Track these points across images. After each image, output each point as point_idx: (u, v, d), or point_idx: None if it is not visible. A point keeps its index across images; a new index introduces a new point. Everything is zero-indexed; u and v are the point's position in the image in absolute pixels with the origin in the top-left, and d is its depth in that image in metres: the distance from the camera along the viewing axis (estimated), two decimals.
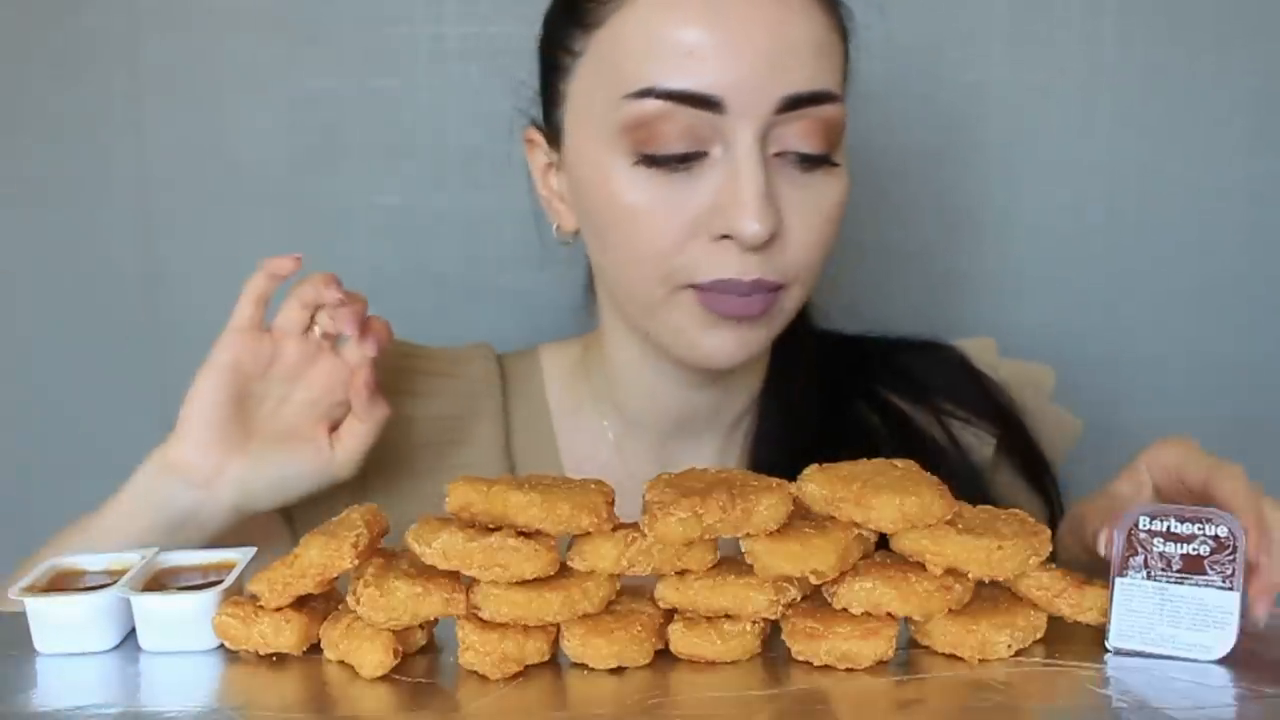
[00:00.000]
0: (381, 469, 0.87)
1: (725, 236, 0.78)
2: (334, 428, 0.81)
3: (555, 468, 0.91)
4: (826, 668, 0.58)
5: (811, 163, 0.79)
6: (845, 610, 0.59)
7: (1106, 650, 0.60)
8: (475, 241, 1.20)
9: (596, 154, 0.80)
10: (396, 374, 0.89)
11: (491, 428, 0.91)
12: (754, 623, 0.60)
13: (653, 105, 0.77)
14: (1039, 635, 0.61)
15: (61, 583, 0.65)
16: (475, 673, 0.59)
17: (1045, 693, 0.57)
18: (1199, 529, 0.59)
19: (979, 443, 0.92)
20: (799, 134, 0.78)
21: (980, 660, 0.59)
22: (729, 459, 0.91)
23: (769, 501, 0.58)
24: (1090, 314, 1.21)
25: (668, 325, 0.82)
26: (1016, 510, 0.63)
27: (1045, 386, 0.99)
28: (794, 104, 0.77)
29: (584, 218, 0.84)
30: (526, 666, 0.59)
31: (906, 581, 0.58)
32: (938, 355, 0.97)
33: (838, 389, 0.92)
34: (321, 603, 0.63)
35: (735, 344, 0.81)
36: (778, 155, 0.79)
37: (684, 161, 0.78)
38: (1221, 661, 0.59)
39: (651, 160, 0.78)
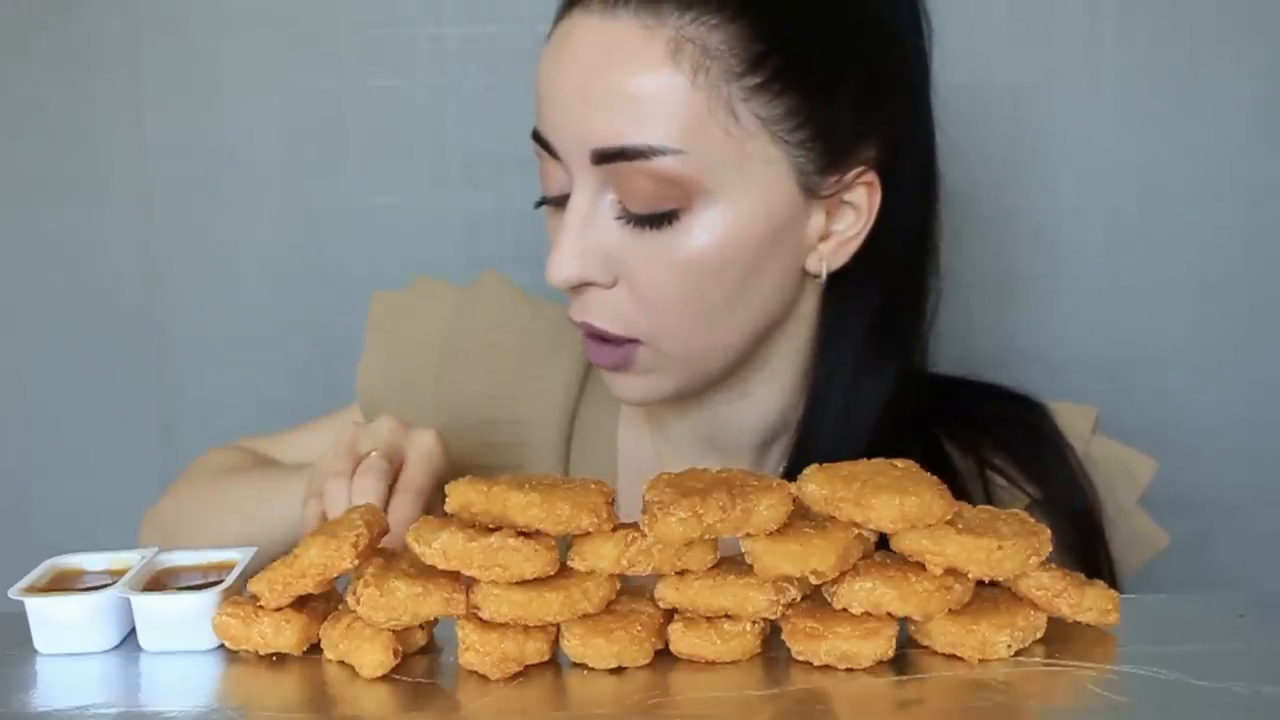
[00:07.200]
0: (453, 408, 0.90)
1: None
2: None
3: (609, 456, 0.92)
4: (826, 668, 0.58)
5: (643, 221, 0.75)
6: (845, 610, 0.59)
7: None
8: (475, 241, 1.20)
9: None
10: (492, 327, 0.93)
11: (563, 394, 0.92)
12: (754, 623, 0.60)
13: (533, 144, 0.79)
14: (1039, 635, 0.60)
15: (61, 583, 0.65)
16: (475, 673, 0.59)
17: (1045, 693, 0.57)
18: None
19: (1012, 500, 0.84)
20: (627, 189, 0.74)
21: (980, 660, 0.59)
22: None
23: (769, 501, 0.58)
24: (1090, 314, 1.20)
25: None
26: (1016, 510, 0.63)
27: (1140, 478, 0.90)
28: (607, 157, 0.74)
29: None
30: (526, 666, 0.59)
31: (906, 581, 0.58)
32: (1017, 411, 0.89)
33: (897, 426, 0.84)
34: (321, 603, 0.63)
35: (620, 386, 0.81)
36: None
37: (556, 202, 0.79)
38: (1223, 660, 0.59)
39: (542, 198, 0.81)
